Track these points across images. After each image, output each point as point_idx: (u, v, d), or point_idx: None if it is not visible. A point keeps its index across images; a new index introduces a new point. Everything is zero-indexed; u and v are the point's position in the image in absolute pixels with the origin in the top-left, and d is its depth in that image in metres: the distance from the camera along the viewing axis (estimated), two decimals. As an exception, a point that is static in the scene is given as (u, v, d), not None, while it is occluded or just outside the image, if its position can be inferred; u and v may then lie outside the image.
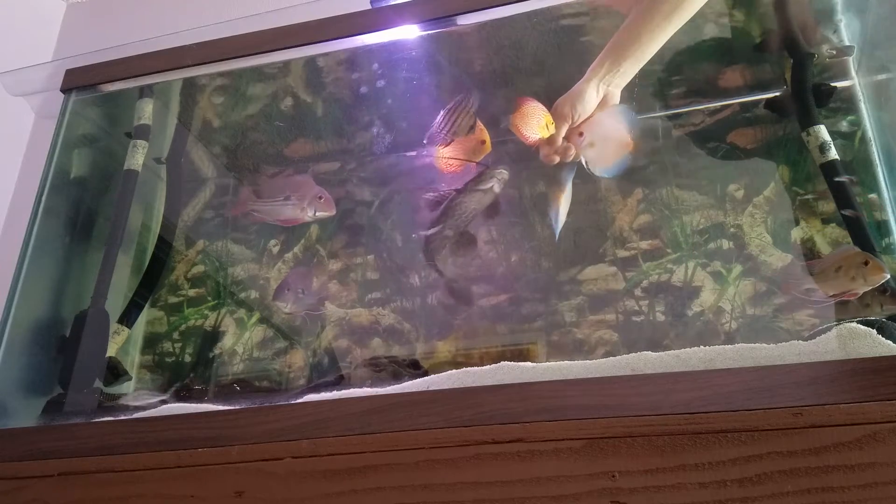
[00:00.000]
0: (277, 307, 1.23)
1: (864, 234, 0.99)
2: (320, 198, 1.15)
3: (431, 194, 1.05)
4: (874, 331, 0.74)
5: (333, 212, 1.17)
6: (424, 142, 1.09)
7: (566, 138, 0.93)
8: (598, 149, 0.95)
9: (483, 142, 1.05)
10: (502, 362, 0.84)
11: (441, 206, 1.04)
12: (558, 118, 0.91)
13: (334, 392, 0.88)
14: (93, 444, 0.86)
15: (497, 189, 1.05)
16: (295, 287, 1.20)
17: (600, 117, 0.93)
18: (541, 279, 1.20)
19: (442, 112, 1.06)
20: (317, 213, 1.15)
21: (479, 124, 1.05)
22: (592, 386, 0.74)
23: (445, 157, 1.06)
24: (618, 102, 0.94)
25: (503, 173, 1.05)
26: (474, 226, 1.08)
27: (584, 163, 0.96)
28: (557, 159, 0.94)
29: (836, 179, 1.00)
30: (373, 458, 0.74)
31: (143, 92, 1.33)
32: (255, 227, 1.40)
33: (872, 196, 1.09)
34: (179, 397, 1.17)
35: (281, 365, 1.26)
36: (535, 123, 0.96)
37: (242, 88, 1.42)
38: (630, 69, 0.90)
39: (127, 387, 1.25)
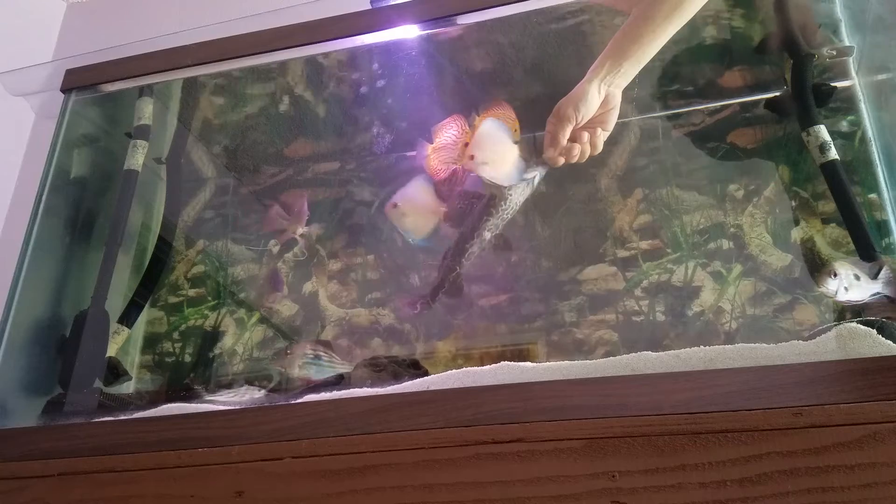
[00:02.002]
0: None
1: (863, 234, 0.99)
2: (298, 210, 1.17)
3: (464, 192, 1.03)
4: (874, 331, 0.74)
5: (306, 216, 1.18)
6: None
7: (570, 140, 0.93)
8: (492, 165, 0.97)
9: (467, 144, 1.04)
10: (502, 362, 0.84)
11: (479, 204, 1.01)
12: (561, 119, 0.90)
13: (334, 392, 0.88)
14: (93, 444, 0.86)
15: (538, 180, 1.02)
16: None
17: (478, 137, 0.96)
18: (541, 279, 1.21)
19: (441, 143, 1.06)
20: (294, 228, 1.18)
21: (465, 126, 1.04)
22: (592, 386, 0.74)
23: (434, 164, 1.05)
24: (619, 102, 0.94)
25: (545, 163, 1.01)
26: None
27: (489, 180, 0.98)
28: (562, 160, 0.94)
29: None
30: (372, 458, 0.74)
31: (143, 92, 1.33)
32: (255, 227, 1.41)
33: (872, 196, 1.09)
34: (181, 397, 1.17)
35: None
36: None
37: (242, 88, 1.42)
38: (631, 69, 0.89)
39: (127, 386, 1.25)
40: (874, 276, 0.93)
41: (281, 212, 1.23)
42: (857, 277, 0.91)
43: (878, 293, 0.92)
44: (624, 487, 0.67)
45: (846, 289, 0.90)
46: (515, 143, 1.00)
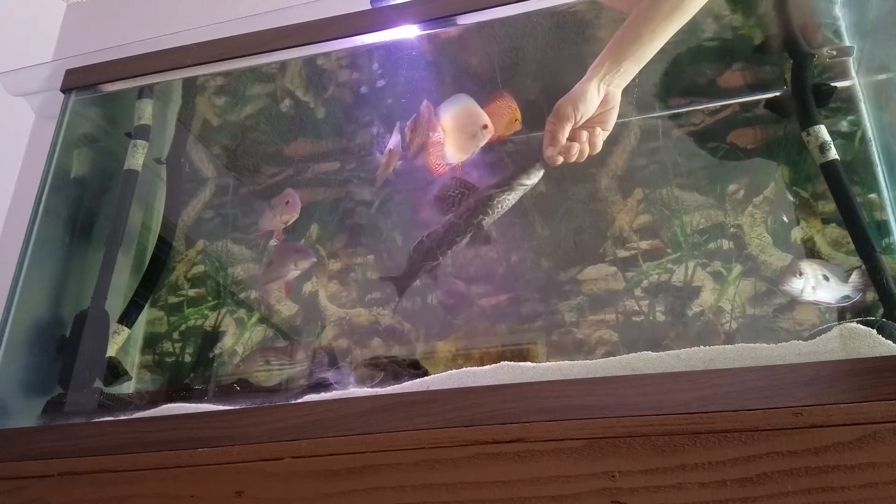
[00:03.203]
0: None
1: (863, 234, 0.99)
2: (287, 202, 1.15)
3: (454, 187, 1.01)
4: (874, 331, 0.74)
5: (296, 214, 1.17)
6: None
7: (569, 138, 0.93)
8: (453, 140, 0.98)
9: (516, 120, 1.03)
10: (502, 362, 0.84)
11: (473, 201, 0.99)
12: (560, 119, 0.90)
13: (334, 392, 0.88)
14: (93, 444, 0.86)
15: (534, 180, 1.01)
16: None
17: (446, 113, 0.98)
18: (541, 279, 1.20)
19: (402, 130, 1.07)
20: (284, 218, 1.17)
21: (510, 100, 1.03)
22: (592, 386, 0.74)
23: (433, 160, 1.04)
24: (619, 102, 0.94)
25: (542, 166, 0.99)
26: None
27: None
28: (561, 160, 0.94)
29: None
30: (372, 458, 0.74)
31: (143, 92, 1.33)
32: (255, 227, 1.40)
33: (872, 196, 1.08)
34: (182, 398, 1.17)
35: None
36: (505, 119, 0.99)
37: (243, 88, 1.42)
38: (631, 69, 0.89)
39: (127, 386, 1.25)
40: (845, 279, 0.92)
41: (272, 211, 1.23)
42: (826, 278, 0.91)
43: (848, 296, 0.91)
44: (624, 487, 0.67)
45: (813, 288, 0.90)
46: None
